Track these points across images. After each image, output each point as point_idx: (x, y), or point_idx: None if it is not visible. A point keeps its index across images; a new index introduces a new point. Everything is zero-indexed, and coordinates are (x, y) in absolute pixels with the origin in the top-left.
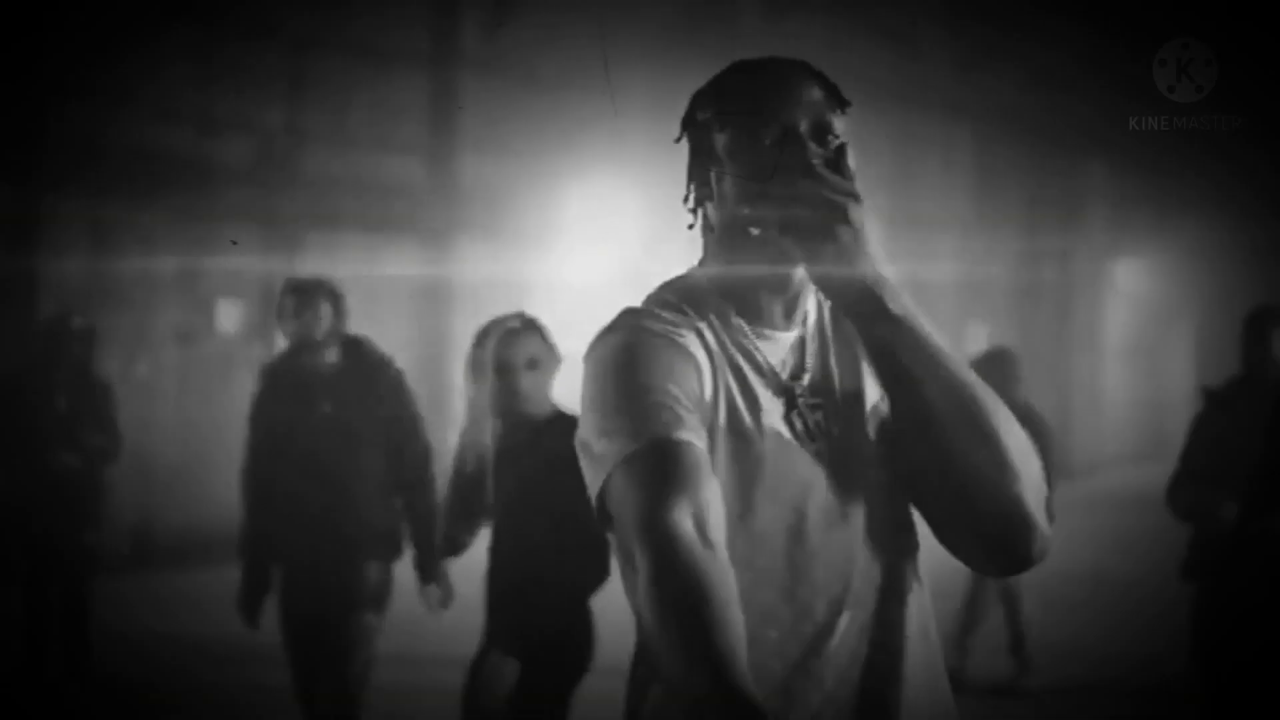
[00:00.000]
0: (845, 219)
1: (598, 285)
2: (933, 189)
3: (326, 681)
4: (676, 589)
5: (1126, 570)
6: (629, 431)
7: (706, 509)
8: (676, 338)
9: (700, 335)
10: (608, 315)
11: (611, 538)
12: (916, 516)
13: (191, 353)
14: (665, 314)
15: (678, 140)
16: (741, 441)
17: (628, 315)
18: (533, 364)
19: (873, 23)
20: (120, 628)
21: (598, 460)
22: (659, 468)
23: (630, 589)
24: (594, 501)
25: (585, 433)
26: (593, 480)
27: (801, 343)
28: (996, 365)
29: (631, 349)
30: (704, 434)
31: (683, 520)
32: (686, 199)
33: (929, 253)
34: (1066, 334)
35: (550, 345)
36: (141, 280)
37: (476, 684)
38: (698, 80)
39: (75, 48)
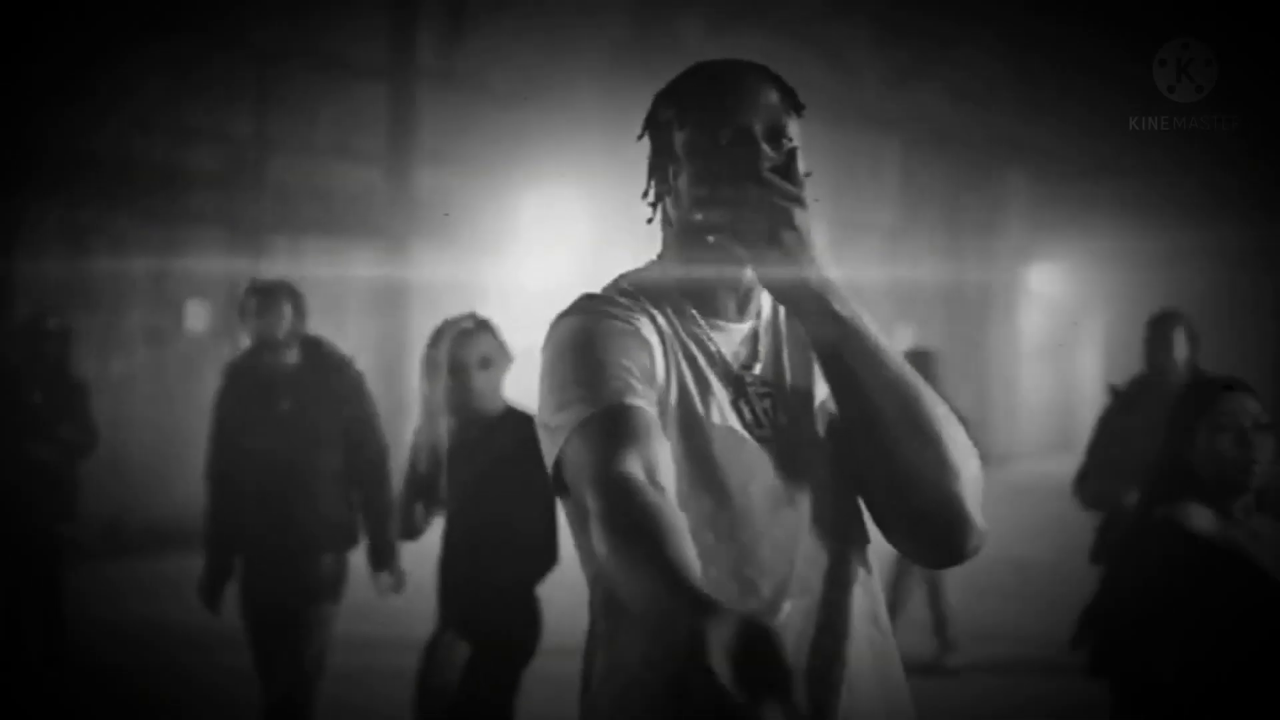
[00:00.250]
0: (790, 223)
1: (550, 288)
2: (862, 197)
3: (285, 664)
4: (630, 520)
5: (1040, 555)
6: (584, 399)
7: (657, 462)
8: (631, 321)
9: (654, 321)
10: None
11: (566, 506)
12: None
13: (161, 351)
14: (622, 300)
15: (640, 138)
16: (690, 424)
17: (585, 300)
18: (485, 363)
19: (808, 41)
20: (94, 613)
21: (555, 431)
22: (613, 430)
23: (585, 558)
24: (550, 470)
25: (544, 409)
26: (549, 450)
27: (754, 335)
28: (916, 366)
29: (588, 329)
30: (655, 405)
31: (634, 469)
32: (646, 194)
33: (859, 257)
34: (985, 334)
35: (502, 344)
36: (114, 282)
37: (430, 666)
38: (644, 94)
39: (56, 60)
